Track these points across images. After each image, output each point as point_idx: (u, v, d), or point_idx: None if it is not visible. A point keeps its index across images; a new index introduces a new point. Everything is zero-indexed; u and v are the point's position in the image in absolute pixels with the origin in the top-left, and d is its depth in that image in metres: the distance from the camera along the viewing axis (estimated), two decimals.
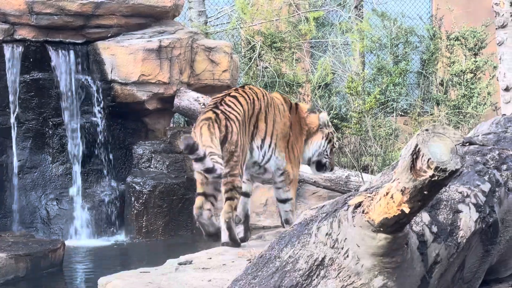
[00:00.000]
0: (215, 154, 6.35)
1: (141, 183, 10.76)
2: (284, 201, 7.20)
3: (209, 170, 6.20)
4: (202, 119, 6.61)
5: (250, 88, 7.08)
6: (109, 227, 11.00)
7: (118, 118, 11.48)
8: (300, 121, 7.46)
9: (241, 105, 6.81)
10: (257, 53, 14.24)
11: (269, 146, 7.01)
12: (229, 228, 6.59)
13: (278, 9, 14.86)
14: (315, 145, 7.54)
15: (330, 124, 7.67)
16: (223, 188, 6.60)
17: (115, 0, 11.28)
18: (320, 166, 7.57)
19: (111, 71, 11.16)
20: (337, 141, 7.74)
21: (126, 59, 11.13)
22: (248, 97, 6.92)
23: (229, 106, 6.75)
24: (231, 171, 6.57)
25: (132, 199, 10.70)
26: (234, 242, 6.58)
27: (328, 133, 7.54)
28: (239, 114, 6.73)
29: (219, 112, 6.64)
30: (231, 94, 6.91)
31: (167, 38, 11.43)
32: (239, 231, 6.96)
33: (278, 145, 7.08)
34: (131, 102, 11.30)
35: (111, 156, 11.33)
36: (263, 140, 6.96)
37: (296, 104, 7.55)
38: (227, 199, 6.60)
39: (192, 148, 6.06)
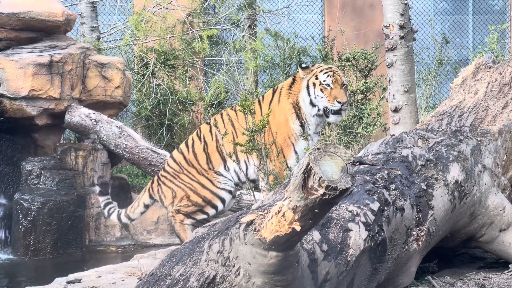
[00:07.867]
0: None
1: (29, 200, 10.51)
2: None
3: None
4: None
5: None
6: None
7: (6, 134, 11.20)
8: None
9: None
10: (150, 70, 14.15)
11: None
12: None
13: (172, 27, 14.82)
14: (301, 101, 7.50)
15: (314, 69, 7.43)
16: None
17: (5, 13, 11.04)
18: (325, 113, 7.46)
19: (0, 86, 10.89)
20: (329, 76, 7.38)
21: (15, 73, 10.88)
22: None
23: None
24: None
25: (20, 216, 10.44)
26: None
27: (307, 80, 7.44)
28: None
29: None
30: None
31: (59, 53, 11.23)
32: None
33: None
34: (20, 118, 11.05)
35: None
36: None
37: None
38: None
39: None
